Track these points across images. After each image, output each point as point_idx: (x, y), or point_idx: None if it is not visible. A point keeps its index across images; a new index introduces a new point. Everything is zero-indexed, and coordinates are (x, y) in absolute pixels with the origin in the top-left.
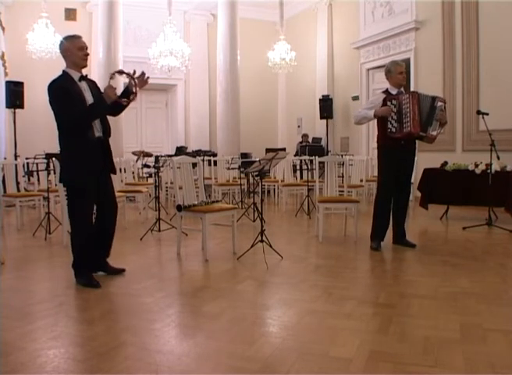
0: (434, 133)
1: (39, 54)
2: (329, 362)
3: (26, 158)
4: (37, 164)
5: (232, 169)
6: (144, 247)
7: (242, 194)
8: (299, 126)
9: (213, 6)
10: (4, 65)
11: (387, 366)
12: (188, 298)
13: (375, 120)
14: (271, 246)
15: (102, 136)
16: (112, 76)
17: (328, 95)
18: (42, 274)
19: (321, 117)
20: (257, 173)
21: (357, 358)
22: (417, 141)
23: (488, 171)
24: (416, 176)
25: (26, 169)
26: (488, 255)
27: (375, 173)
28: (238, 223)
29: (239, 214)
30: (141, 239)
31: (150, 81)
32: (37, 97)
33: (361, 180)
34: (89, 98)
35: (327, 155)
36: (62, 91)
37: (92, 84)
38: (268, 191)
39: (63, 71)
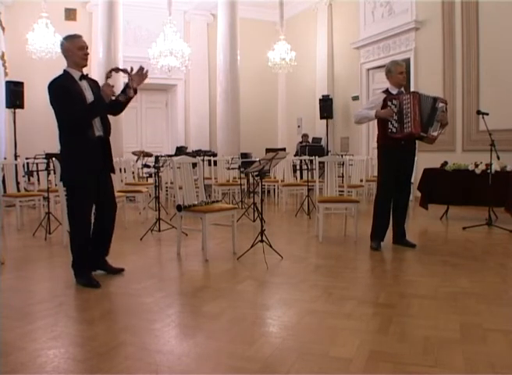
0: (435, 133)
1: (39, 54)
2: (329, 362)
3: (26, 158)
4: (37, 164)
5: (232, 169)
6: (144, 247)
7: (242, 194)
8: (299, 126)
9: (213, 6)
10: (4, 65)
11: (387, 366)
12: (188, 298)
13: (376, 120)
14: (271, 246)
15: (103, 135)
16: (108, 75)
17: (328, 95)
18: (42, 274)
19: (321, 117)
20: (257, 173)
21: (357, 358)
22: (417, 141)
23: (488, 171)
24: (416, 176)
25: (26, 169)
26: (488, 255)
27: (375, 173)
28: (238, 223)
29: (239, 214)
30: (141, 239)
31: (150, 81)
32: (37, 97)
33: (361, 180)
34: (90, 97)
35: (327, 155)
36: (62, 90)
37: (93, 84)
38: (268, 191)
39: (64, 70)
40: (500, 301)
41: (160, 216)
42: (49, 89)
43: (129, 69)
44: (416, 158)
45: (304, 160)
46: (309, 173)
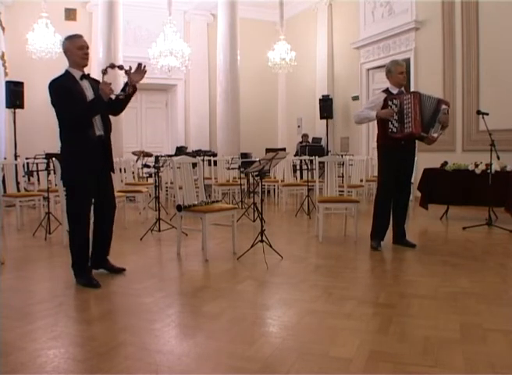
0: (435, 135)
1: (39, 54)
2: (329, 362)
3: (26, 158)
4: (37, 164)
5: (232, 169)
6: (144, 247)
7: (242, 194)
8: (299, 126)
9: (213, 6)
10: (4, 65)
11: (387, 366)
12: (188, 298)
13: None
14: (271, 246)
15: (103, 134)
16: (104, 72)
17: (328, 95)
18: (42, 274)
19: (321, 117)
20: (257, 173)
21: (357, 358)
22: (416, 141)
23: (488, 171)
24: (416, 176)
25: (26, 169)
26: (488, 255)
27: (375, 173)
28: (238, 223)
29: (239, 214)
30: (141, 239)
31: (150, 81)
32: (37, 97)
33: (361, 180)
34: (90, 97)
35: (327, 155)
36: (62, 90)
37: (95, 83)
38: (268, 191)
39: (65, 70)
40: (500, 301)
41: (160, 216)
42: (50, 89)
43: (127, 68)
44: (416, 158)
45: (304, 160)
46: (309, 173)
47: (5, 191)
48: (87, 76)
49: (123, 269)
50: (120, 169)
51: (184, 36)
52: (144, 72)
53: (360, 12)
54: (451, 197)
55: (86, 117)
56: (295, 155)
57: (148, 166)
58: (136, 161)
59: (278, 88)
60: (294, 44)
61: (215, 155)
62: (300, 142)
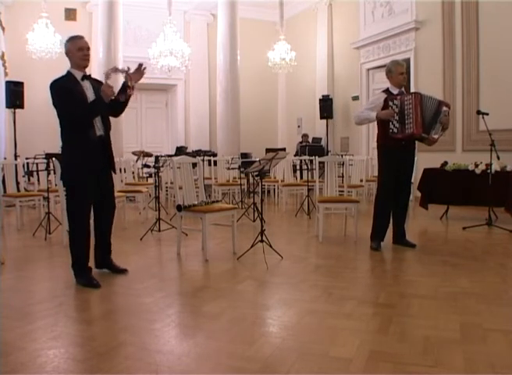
0: (436, 136)
1: (39, 54)
2: (329, 362)
3: (26, 158)
4: (37, 164)
5: (232, 169)
6: (144, 247)
7: (242, 194)
8: (299, 126)
9: (213, 6)
10: (4, 65)
11: (387, 366)
12: (188, 298)
13: None
14: (271, 246)
15: (103, 134)
16: (107, 76)
17: (328, 95)
18: (42, 274)
19: (321, 117)
20: (257, 173)
21: (357, 358)
22: (416, 141)
23: (488, 171)
24: (416, 176)
25: (26, 169)
26: (488, 255)
27: (375, 173)
28: (238, 223)
29: (239, 214)
30: (141, 239)
31: (150, 81)
32: (37, 97)
33: (361, 180)
34: (91, 97)
35: (327, 155)
36: (63, 90)
37: (97, 84)
38: (268, 191)
39: (67, 71)
40: (500, 301)
41: (160, 216)
42: (51, 89)
43: (126, 69)
44: (416, 159)
45: (304, 160)
46: (309, 173)
47: (5, 191)
48: (88, 77)
49: (125, 270)
50: (120, 169)
51: (184, 36)
52: (143, 73)
53: (360, 12)
54: (451, 197)
55: (86, 118)
56: (295, 155)
57: (148, 166)
58: (136, 161)
59: (278, 88)
60: (294, 44)
61: (215, 155)
62: (300, 142)
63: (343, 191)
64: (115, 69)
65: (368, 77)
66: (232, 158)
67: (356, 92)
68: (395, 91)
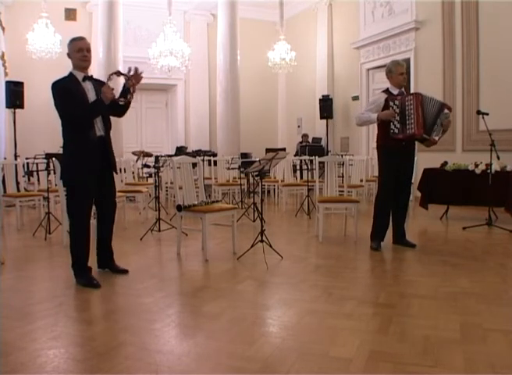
0: (436, 138)
1: (39, 54)
2: (329, 362)
3: (26, 158)
4: (37, 164)
5: (232, 169)
6: (144, 247)
7: (242, 194)
8: (299, 126)
9: (213, 6)
10: (4, 65)
11: (387, 366)
12: (188, 298)
13: None
14: (271, 246)
15: (104, 135)
16: (109, 78)
17: (328, 95)
18: (42, 274)
19: (321, 117)
20: (257, 173)
21: (357, 358)
22: (416, 142)
23: (488, 171)
24: (416, 176)
25: (26, 169)
26: (488, 255)
27: (375, 173)
28: (238, 223)
29: (239, 214)
30: (141, 239)
31: (150, 81)
32: (37, 97)
33: (361, 180)
34: (92, 98)
35: (327, 155)
36: (63, 91)
37: (98, 85)
38: (268, 191)
39: (69, 72)
40: (500, 301)
41: (160, 216)
42: (52, 90)
43: (127, 72)
44: (416, 159)
45: (304, 160)
46: (309, 173)
47: (5, 191)
48: (89, 78)
49: (126, 271)
50: (120, 169)
51: (184, 36)
52: (140, 78)
53: (360, 12)
54: (451, 197)
55: (86, 118)
56: (295, 155)
57: (148, 166)
58: (136, 161)
59: (278, 88)
60: (294, 44)
61: (215, 155)
62: (300, 142)
63: (343, 191)
64: (119, 73)
65: (367, 77)
66: (232, 158)
67: (356, 92)
68: (395, 92)
